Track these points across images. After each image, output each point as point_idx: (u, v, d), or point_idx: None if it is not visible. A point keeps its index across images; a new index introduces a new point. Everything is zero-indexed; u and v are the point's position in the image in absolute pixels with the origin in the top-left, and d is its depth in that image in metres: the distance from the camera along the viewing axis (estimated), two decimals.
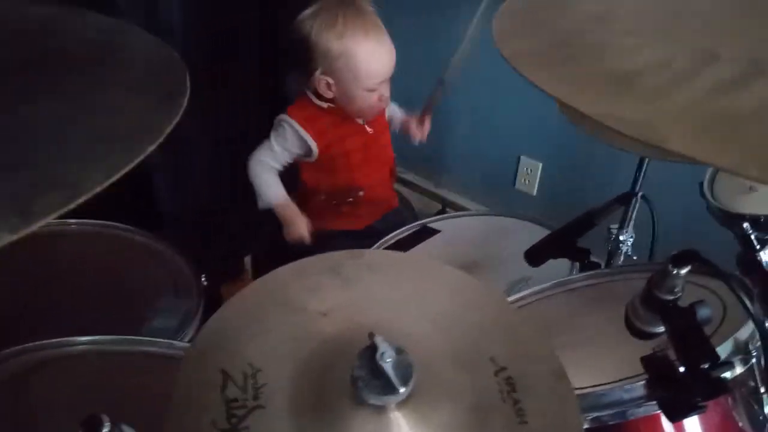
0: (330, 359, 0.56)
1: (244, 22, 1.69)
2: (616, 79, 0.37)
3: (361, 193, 1.48)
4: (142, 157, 0.33)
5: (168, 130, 0.35)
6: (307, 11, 1.37)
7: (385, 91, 1.39)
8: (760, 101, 0.34)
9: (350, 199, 1.49)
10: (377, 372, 0.51)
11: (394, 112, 1.61)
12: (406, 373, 0.52)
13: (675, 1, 0.48)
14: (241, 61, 1.74)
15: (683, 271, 0.63)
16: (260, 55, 1.76)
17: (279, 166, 1.45)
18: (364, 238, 1.50)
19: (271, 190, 1.45)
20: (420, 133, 1.57)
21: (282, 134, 1.42)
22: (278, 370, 0.55)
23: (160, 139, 0.35)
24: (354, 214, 1.52)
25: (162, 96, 0.39)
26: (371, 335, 0.52)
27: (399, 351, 0.53)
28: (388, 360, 0.51)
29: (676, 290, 0.65)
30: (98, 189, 0.30)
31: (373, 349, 0.52)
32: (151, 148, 0.34)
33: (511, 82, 1.89)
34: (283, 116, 1.42)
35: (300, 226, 1.44)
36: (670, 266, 0.63)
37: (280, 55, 1.75)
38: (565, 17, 0.47)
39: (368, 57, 1.33)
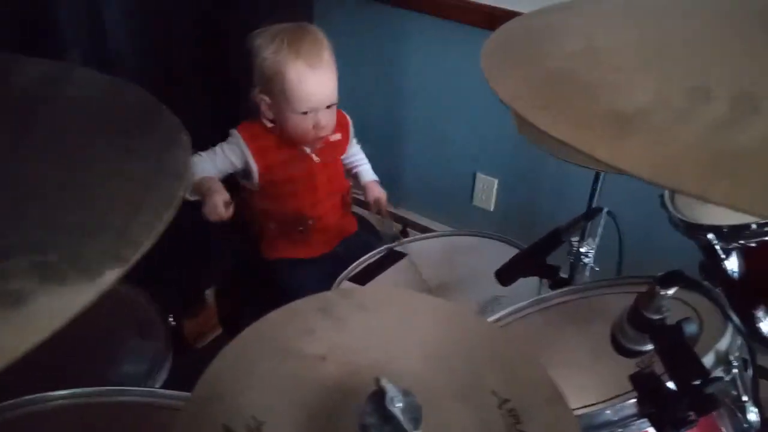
0: (334, 405, 0.55)
1: (190, 49, 1.67)
2: (617, 120, 0.38)
3: (310, 222, 1.46)
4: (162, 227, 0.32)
5: (178, 201, 0.34)
6: (259, 30, 1.37)
7: (323, 119, 1.36)
8: (761, 138, 0.35)
9: (300, 228, 1.47)
10: (387, 417, 0.50)
11: (363, 172, 1.61)
12: (415, 416, 0.51)
13: (653, 38, 0.49)
14: (191, 89, 1.71)
15: (670, 292, 0.65)
16: (211, 83, 1.74)
17: (215, 171, 1.40)
18: (325, 265, 1.49)
19: (196, 169, 1.35)
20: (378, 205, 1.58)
21: (228, 142, 1.41)
22: (283, 421, 0.54)
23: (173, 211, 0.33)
24: (306, 243, 1.50)
25: (161, 154, 0.38)
26: (378, 380, 0.52)
27: (406, 393, 0.52)
28: (398, 405, 0.50)
29: (663, 310, 0.66)
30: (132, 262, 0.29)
31: (380, 393, 0.51)
32: (169, 214, 0.32)
33: (464, 101, 1.94)
34: (233, 129, 1.42)
35: (216, 201, 1.30)
36: (657, 287, 0.65)
37: (231, 84, 1.73)
38: (549, 55, 0.48)
39: (298, 79, 1.31)
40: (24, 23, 1.31)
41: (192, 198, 1.34)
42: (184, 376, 1.20)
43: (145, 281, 1.27)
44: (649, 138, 0.36)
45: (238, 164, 1.42)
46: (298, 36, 1.34)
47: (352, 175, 1.62)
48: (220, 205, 1.30)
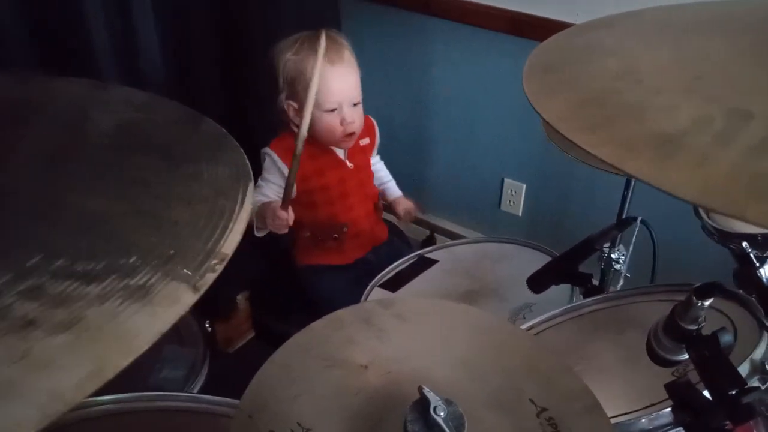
0: (378, 413, 0.57)
1: (217, 61, 1.71)
2: (660, 142, 0.39)
3: (345, 229, 1.48)
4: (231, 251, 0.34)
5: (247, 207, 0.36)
6: (283, 40, 1.40)
7: (349, 116, 1.38)
8: None
9: (335, 236, 1.49)
10: (431, 425, 0.52)
11: (389, 189, 1.64)
12: (458, 424, 0.53)
13: (692, 58, 0.50)
14: (220, 102, 1.75)
15: (707, 303, 0.66)
16: (239, 96, 1.77)
17: (267, 199, 1.44)
18: (356, 271, 1.51)
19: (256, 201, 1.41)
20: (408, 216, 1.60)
21: (265, 167, 1.44)
22: (328, 427, 0.55)
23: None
24: (340, 250, 1.52)
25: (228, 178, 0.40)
26: (421, 388, 0.53)
27: (448, 402, 0.54)
28: (441, 413, 0.52)
29: (699, 320, 0.67)
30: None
31: (424, 402, 0.53)
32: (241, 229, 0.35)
33: (490, 106, 1.94)
34: (265, 148, 1.44)
35: (277, 215, 1.33)
36: (694, 298, 0.66)
37: (259, 97, 1.77)
38: (591, 75, 0.49)
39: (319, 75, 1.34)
40: (62, 42, 1.36)
41: (261, 234, 1.39)
42: (219, 381, 1.23)
43: None
44: (691, 160, 0.37)
45: (280, 182, 1.43)
46: (316, 37, 1.37)
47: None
48: (278, 210, 1.31)
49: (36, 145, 0.49)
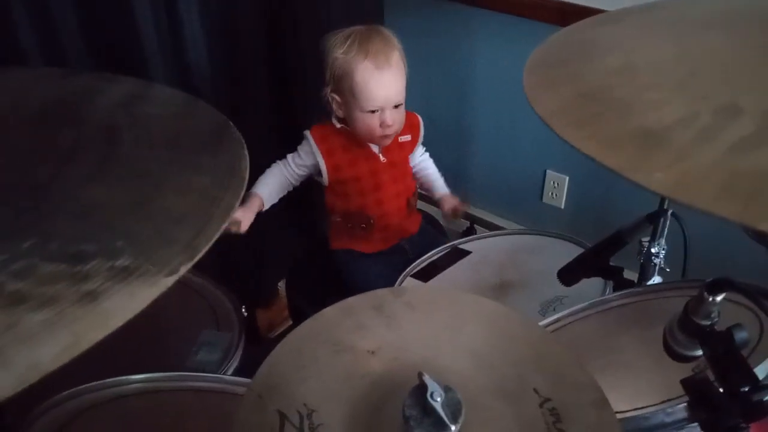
0: (380, 398, 0.59)
1: (262, 53, 1.74)
2: (645, 137, 0.39)
3: (372, 221, 1.50)
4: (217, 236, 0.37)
5: (234, 208, 0.38)
6: (333, 32, 1.42)
7: (390, 118, 1.39)
8: None
9: (363, 226, 1.52)
10: (428, 410, 0.53)
11: (438, 186, 1.64)
12: (455, 410, 0.54)
13: (693, 53, 0.50)
14: (263, 94, 1.79)
15: (718, 298, 0.65)
16: (282, 88, 1.80)
17: (290, 176, 1.50)
18: (390, 258, 1.54)
19: (258, 182, 1.48)
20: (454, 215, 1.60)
21: (301, 146, 1.48)
22: (332, 409, 0.58)
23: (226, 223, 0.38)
24: (367, 239, 1.54)
25: (223, 171, 0.43)
26: (420, 375, 0.55)
27: (447, 389, 0.55)
28: (438, 399, 0.53)
29: (712, 315, 0.66)
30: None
31: (422, 387, 0.54)
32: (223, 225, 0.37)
33: None
34: (306, 131, 1.48)
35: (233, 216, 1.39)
36: (705, 293, 0.65)
37: (301, 88, 1.80)
38: (590, 70, 0.49)
39: (364, 78, 1.35)
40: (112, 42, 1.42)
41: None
42: (255, 365, 1.27)
43: (222, 274, 1.35)
44: (670, 155, 0.37)
45: (310, 163, 1.48)
46: (367, 37, 1.38)
47: (425, 189, 1.65)
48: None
49: (57, 140, 0.52)
